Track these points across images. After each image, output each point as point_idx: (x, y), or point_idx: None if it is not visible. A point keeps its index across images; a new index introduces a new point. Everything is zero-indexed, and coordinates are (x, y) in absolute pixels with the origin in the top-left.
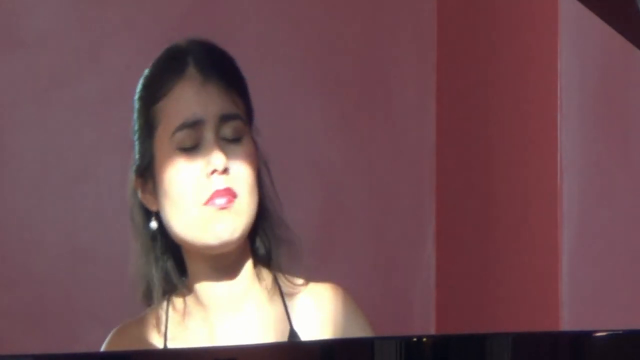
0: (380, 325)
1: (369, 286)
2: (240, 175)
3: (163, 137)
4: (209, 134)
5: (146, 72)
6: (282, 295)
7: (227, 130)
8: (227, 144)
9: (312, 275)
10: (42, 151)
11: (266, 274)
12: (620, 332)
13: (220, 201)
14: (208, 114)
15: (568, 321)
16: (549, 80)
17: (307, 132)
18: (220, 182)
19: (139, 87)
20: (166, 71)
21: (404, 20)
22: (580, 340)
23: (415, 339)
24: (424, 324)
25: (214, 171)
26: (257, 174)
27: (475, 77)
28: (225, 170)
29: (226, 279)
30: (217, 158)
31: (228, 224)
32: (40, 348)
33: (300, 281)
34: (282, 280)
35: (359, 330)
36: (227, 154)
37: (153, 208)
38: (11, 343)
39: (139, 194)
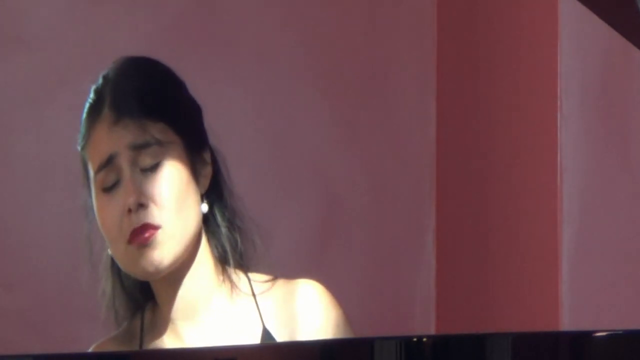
0: (380, 325)
1: (369, 286)
2: (161, 204)
3: (92, 179)
4: (124, 169)
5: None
6: (253, 294)
7: (144, 158)
8: (147, 173)
9: (313, 275)
10: (42, 151)
11: (234, 276)
12: (620, 332)
13: (139, 239)
14: (119, 147)
15: (568, 321)
16: (549, 81)
17: (307, 132)
18: (137, 219)
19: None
20: (88, 115)
21: (404, 20)
22: (580, 340)
23: (415, 339)
24: (424, 324)
25: (129, 210)
26: (189, 185)
27: (475, 77)
28: (141, 205)
29: (185, 290)
30: (131, 196)
31: (151, 259)
32: (40, 348)
33: (266, 277)
34: (251, 279)
35: (333, 326)
36: (145, 183)
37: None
38: (11, 343)
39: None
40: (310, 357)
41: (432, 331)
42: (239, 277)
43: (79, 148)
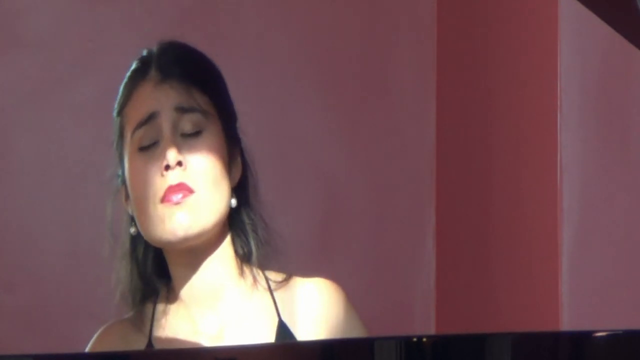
0: (380, 325)
1: (369, 286)
2: (199, 169)
3: (128, 141)
4: (165, 129)
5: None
6: (270, 290)
7: (186, 123)
8: (186, 138)
9: (312, 275)
10: (42, 151)
11: (249, 270)
12: (620, 332)
13: (175, 197)
14: (163, 107)
15: (568, 321)
16: (549, 80)
17: (307, 132)
18: (174, 177)
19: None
20: (131, 79)
21: (404, 20)
22: (580, 340)
23: (415, 339)
24: (424, 324)
25: (167, 167)
26: (224, 168)
27: (475, 77)
28: (179, 164)
29: (205, 275)
30: (169, 153)
31: (182, 220)
32: (40, 348)
33: (281, 275)
34: (266, 276)
35: (349, 325)
36: (184, 148)
37: (131, 213)
38: (11, 343)
39: (123, 201)
40: (310, 357)
41: (432, 331)
42: (257, 274)
43: (114, 114)
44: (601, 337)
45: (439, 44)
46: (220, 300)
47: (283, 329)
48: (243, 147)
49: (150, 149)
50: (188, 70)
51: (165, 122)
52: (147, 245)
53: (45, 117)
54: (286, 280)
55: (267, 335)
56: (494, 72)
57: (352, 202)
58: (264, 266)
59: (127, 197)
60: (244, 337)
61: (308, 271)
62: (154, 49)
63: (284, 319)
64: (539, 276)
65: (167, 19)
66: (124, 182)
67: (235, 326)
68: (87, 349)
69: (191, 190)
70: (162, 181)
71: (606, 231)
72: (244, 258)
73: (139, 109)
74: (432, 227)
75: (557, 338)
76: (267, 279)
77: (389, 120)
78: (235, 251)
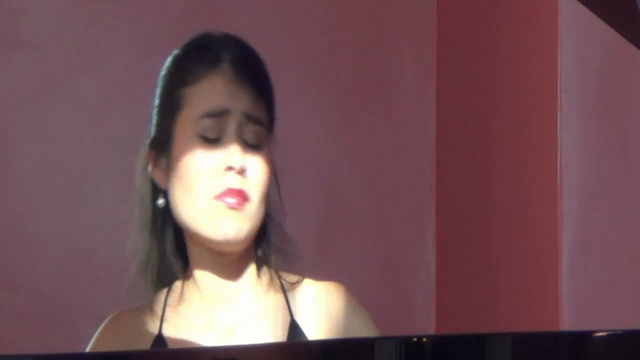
0: (380, 325)
1: (369, 286)
2: (256, 180)
3: (186, 121)
4: (231, 129)
5: (176, 53)
6: (283, 289)
7: (249, 133)
8: (247, 147)
9: (313, 275)
10: (42, 151)
11: (266, 271)
12: (620, 332)
13: (231, 200)
14: (235, 108)
15: (568, 321)
16: (549, 80)
17: (307, 132)
18: (235, 181)
19: (168, 65)
20: (199, 59)
21: (404, 20)
22: (580, 340)
23: (415, 339)
24: (424, 324)
25: (230, 168)
26: (269, 185)
27: (475, 77)
28: (242, 171)
29: (226, 272)
30: (237, 156)
31: (235, 224)
32: (40, 348)
33: (294, 279)
34: (280, 277)
35: (360, 326)
36: (248, 157)
37: (162, 185)
38: (11, 343)
39: (149, 168)
40: (310, 357)
41: (432, 331)
42: (272, 275)
43: (164, 81)
44: (601, 337)
45: (439, 44)
46: (236, 297)
47: (295, 329)
48: (272, 159)
49: (213, 142)
50: (259, 79)
51: (233, 123)
52: (170, 221)
53: (45, 117)
54: (299, 282)
55: (279, 334)
56: (494, 72)
57: (352, 202)
58: (278, 268)
59: (156, 165)
60: (256, 334)
61: (308, 271)
62: (216, 35)
63: (296, 319)
64: (539, 276)
65: (167, 19)
66: (159, 150)
67: (248, 323)
68: (93, 338)
69: (248, 198)
70: (222, 179)
71: (606, 231)
72: (262, 260)
73: (210, 99)
74: (432, 227)
75: (557, 338)
76: (281, 280)
77: (389, 120)
78: (255, 253)
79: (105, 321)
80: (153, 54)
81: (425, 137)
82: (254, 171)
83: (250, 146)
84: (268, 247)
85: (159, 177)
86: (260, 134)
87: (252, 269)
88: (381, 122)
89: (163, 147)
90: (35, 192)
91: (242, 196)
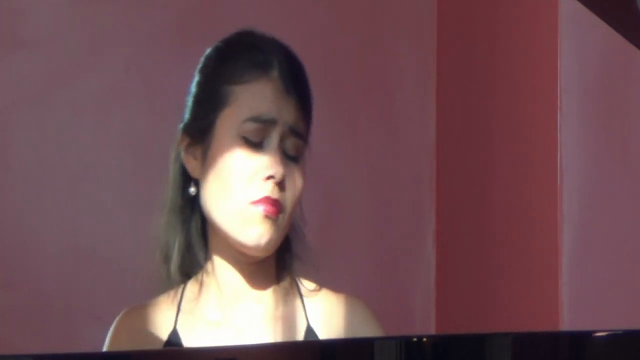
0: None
1: (369, 286)
2: (291, 193)
3: (230, 119)
4: (275, 138)
5: (220, 46)
6: (300, 295)
7: (290, 145)
8: (287, 158)
9: (313, 275)
10: (42, 151)
11: (285, 276)
12: (620, 332)
13: (268, 209)
14: (282, 119)
15: (568, 321)
16: (549, 80)
17: None
18: (275, 191)
19: (211, 57)
20: (249, 60)
21: (404, 21)
22: (580, 340)
23: (415, 339)
24: (424, 324)
25: (271, 177)
26: (302, 196)
27: (475, 77)
28: (281, 183)
29: (246, 271)
30: (278, 167)
31: (267, 233)
32: (40, 348)
33: (313, 286)
34: (299, 283)
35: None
36: (288, 169)
37: (193, 173)
38: (11, 343)
39: (182, 153)
40: (310, 357)
41: (432, 331)
42: (290, 279)
43: (211, 73)
44: (601, 337)
45: (439, 44)
46: (254, 297)
47: (311, 334)
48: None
49: (255, 146)
50: (304, 92)
51: (277, 133)
52: (197, 212)
53: (45, 117)
54: (317, 290)
55: (294, 338)
56: (494, 72)
57: (353, 202)
58: (297, 275)
59: (189, 152)
60: (271, 336)
61: (308, 270)
62: (266, 40)
63: (312, 325)
64: (539, 276)
65: (167, 19)
66: (195, 138)
67: (264, 324)
68: (109, 334)
69: (282, 209)
70: (262, 187)
71: (606, 231)
72: (282, 265)
73: (258, 104)
74: (432, 227)
75: (557, 338)
76: (299, 287)
77: (389, 120)
78: (277, 258)
79: (119, 316)
80: (153, 54)
81: (425, 137)
82: (291, 183)
83: (290, 158)
84: (289, 253)
85: (191, 165)
86: (299, 147)
87: (271, 272)
88: (381, 122)
89: (200, 137)
90: (35, 192)
91: (278, 207)
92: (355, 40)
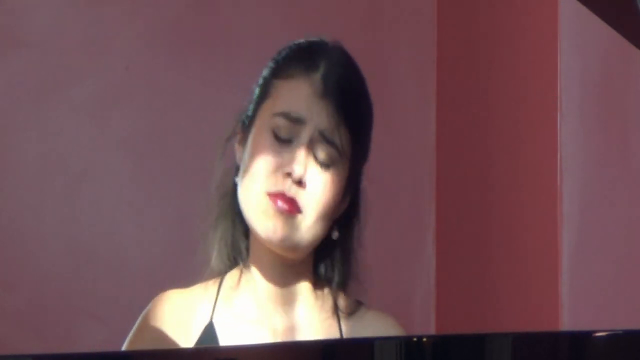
0: None
1: (368, 286)
2: (314, 197)
3: (267, 111)
4: (303, 138)
5: (287, 45)
6: (337, 309)
7: (321, 151)
8: (316, 162)
9: None
10: (42, 151)
11: (323, 290)
12: (620, 332)
13: (281, 205)
14: (311, 121)
15: (568, 321)
16: (549, 80)
17: None
18: (291, 189)
19: (276, 54)
20: (297, 59)
21: (404, 21)
22: (580, 340)
23: (415, 339)
24: (424, 324)
25: (289, 175)
26: (333, 207)
27: (475, 77)
28: (300, 182)
29: (281, 272)
30: (298, 167)
31: (281, 229)
32: (40, 348)
33: (353, 304)
34: (337, 299)
35: None
36: (311, 171)
37: (237, 160)
38: (11, 343)
39: (237, 140)
40: (310, 357)
41: (432, 331)
42: (329, 294)
43: (267, 71)
44: (601, 337)
45: (439, 44)
46: (290, 304)
47: None
48: (360, 186)
49: (282, 142)
50: (347, 104)
51: (306, 134)
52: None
53: (45, 117)
54: (356, 307)
55: None
56: (494, 72)
57: None
58: (338, 289)
59: (237, 139)
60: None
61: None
62: (328, 44)
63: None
64: (539, 276)
65: (167, 19)
66: (243, 128)
67: (297, 331)
68: (141, 316)
69: (299, 210)
70: (280, 181)
71: (606, 231)
72: (321, 277)
73: (290, 100)
74: (432, 227)
75: (557, 338)
76: (337, 302)
77: (389, 120)
78: (316, 270)
79: (155, 299)
80: (153, 54)
81: (425, 137)
82: (315, 187)
83: (319, 162)
84: (331, 267)
85: (238, 153)
86: (332, 156)
87: (309, 280)
88: (381, 122)
89: (246, 127)
90: (36, 192)
91: (293, 205)
92: (355, 40)
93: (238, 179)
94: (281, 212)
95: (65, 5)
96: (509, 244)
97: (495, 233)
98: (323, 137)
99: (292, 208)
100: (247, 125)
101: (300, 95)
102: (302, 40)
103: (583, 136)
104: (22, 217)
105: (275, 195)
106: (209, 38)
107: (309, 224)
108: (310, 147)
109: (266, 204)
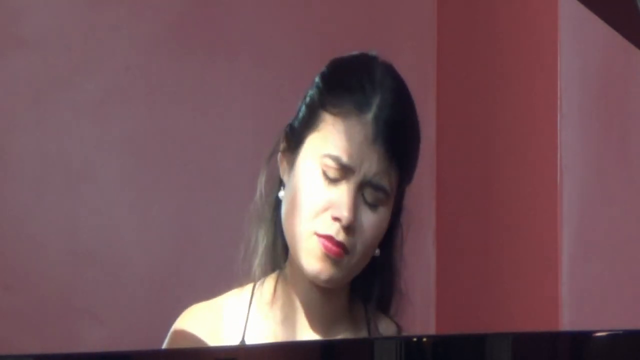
0: None
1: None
2: (362, 239)
3: (315, 146)
4: (351, 184)
5: (337, 64)
6: (369, 331)
7: (368, 195)
8: (364, 204)
9: None
10: (42, 151)
11: (358, 306)
12: (620, 332)
13: (329, 248)
14: (360, 169)
15: (568, 321)
16: (549, 80)
17: None
18: (340, 234)
19: (326, 73)
20: (350, 94)
21: (404, 21)
22: (580, 340)
23: (415, 339)
24: (424, 324)
25: (338, 219)
26: (379, 241)
27: (475, 77)
28: (348, 228)
29: (318, 293)
30: (348, 214)
31: (327, 270)
32: (40, 348)
33: (389, 325)
34: (372, 319)
35: None
36: (359, 214)
37: (283, 176)
38: (11, 343)
39: (281, 149)
40: (310, 357)
41: (432, 331)
42: (364, 312)
43: (315, 94)
44: (601, 337)
45: (439, 44)
46: (323, 322)
47: None
48: (402, 205)
49: (331, 181)
50: (398, 146)
51: (355, 180)
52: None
53: (45, 117)
54: (391, 325)
55: None
56: (494, 72)
57: None
58: (373, 311)
59: (282, 149)
60: None
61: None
62: (377, 73)
63: None
64: (539, 276)
65: (167, 19)
66: (290, 141)
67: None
68: (169, 334)
69: (348, 252)
70: (329, 224)
71: (606, 231)
72: (362, 298)
73: (341, 145)
74: (432, 227)
75: (557, 338)
76: (371, 323)
77: None
78: (353, 288)
79: (183, 315)
80: (153, 54)
81: (426, 137)
82: (363, 229)
83: (368, 204)
84: (371, 286)
85: (282, 167)
86: (380, 198)
87: (344, 303)
88: None
89: (292, 147)
90: (35, 192)
91: (342, 248)
92: (355, 40)
93: (282, 198)
94: (329, 255)
95: (65, 5)
96: (509, 244)
97: (495, 233)
98: (371, 184)
99: (340, 252)
100: (293, 141)
101: (351, 141)
102: (351, 56)
103: (583, 136)
104: (22, 217)
105: (325, 238)
106: (209, 38)
107: (355, 263)
108: (359, 190)
109: (314, 244)
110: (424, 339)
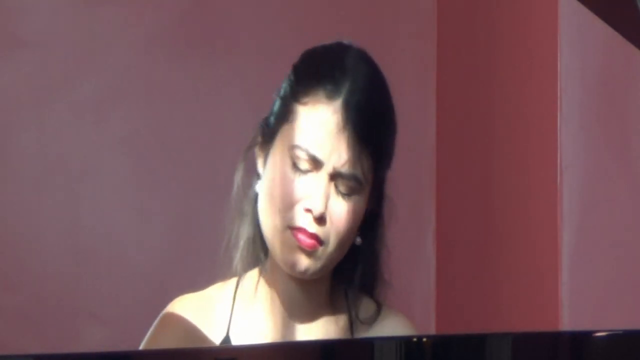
0: None
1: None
2: (336, 229)
3: (286, 137)
4: (322, 173)
5: (308, 53)
6: (352, 322)
7: (341, 184)
8: (336, 194)
9: None
10: (42, 151)
11: (340, 294)
12: (620, 332)
13: (304, 241)
14: (329, 160)
15: (568, 321)
16: (549, 80)
17: None
18: (312, 225)
19: (297, 63)
20: (318, 81)
21: (404, 20)
22: (580, 340)
23: (415, 339)
24: (424, 324)
25: (309, 211)
26: (355, 229)
27: (475, 77)
28: (320, 219)
29: (298, 285)
30: (318, 204)
31: (303, 262)
32: (40, 348)
33: (371, 309)
34: (360, 305)
35: None
36: (331, 205)
37: (258, 168)
38: (11, 343)
39: (258, 143)
40: (310, 357)
41: (432, 331)
42: (345, 298)
43: (287, 86)
44: (601, 337)
45: (439, 44)
46: (305, 313)
47: None
48: (384, 192)
49: (302, 173)
50: (370, 131)
51: (325, 171)
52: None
53: (45, 117)
54: (374, 313)
55: None
56: (494, 72)
57: None
58: (356, 294)
59: (259, 143)
60: None
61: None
62: (350, 58)
63: None
64: (539, 276)
65: (167, 19)
66: (265, 134)
67: (309, 336)
68: (155, 324)
69: (322, 242)
70: (301, 216)
71: (606, 231)
72: (344, 282)
73: (311, 136)
74: (432, 227)
75: (557, 338)
76: (351, 311)
77: None
78: (336, 276)
79: (170, 305)
80: (153, 54)
81: (425, 137)
82: (336, 218)
83: (340, 193)
84: (352, 272)
85: (259, 159)
86: (353, 187)
87: (325, 291)
88: None
89: (266, 141)
90: (35, 192)
91: (315, 240)
92: (355, 39)
93: (259, 190)
94: (304, 247)
95: (65, 5)
96: (509, 244)
97: (495, 233)
98: (342, 172)
99: (314, 244)
100: (268, 134)
101: (321, 130)
102: (323, 46)
103: (583, 136)
104: (22, 217)
105: (298, 230)
106: (209, 38)
107: (331, 252)
108: (331, 180)
109: (288, 237)
110: (424, 339)
